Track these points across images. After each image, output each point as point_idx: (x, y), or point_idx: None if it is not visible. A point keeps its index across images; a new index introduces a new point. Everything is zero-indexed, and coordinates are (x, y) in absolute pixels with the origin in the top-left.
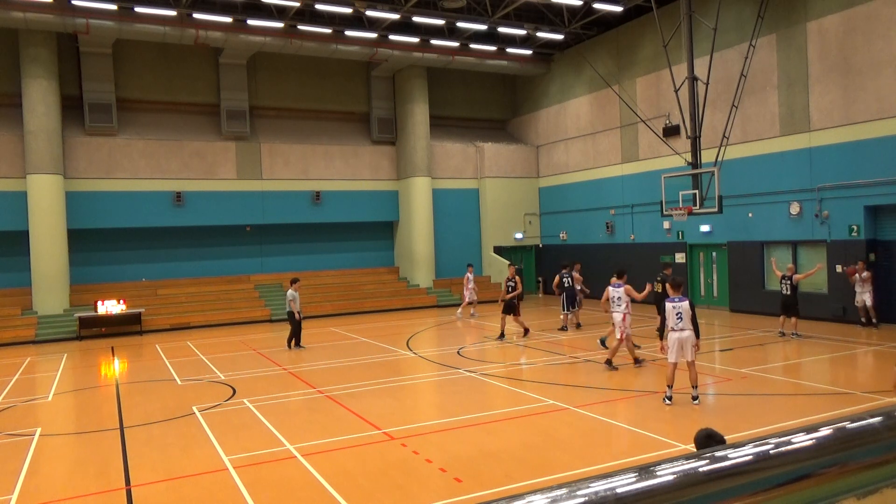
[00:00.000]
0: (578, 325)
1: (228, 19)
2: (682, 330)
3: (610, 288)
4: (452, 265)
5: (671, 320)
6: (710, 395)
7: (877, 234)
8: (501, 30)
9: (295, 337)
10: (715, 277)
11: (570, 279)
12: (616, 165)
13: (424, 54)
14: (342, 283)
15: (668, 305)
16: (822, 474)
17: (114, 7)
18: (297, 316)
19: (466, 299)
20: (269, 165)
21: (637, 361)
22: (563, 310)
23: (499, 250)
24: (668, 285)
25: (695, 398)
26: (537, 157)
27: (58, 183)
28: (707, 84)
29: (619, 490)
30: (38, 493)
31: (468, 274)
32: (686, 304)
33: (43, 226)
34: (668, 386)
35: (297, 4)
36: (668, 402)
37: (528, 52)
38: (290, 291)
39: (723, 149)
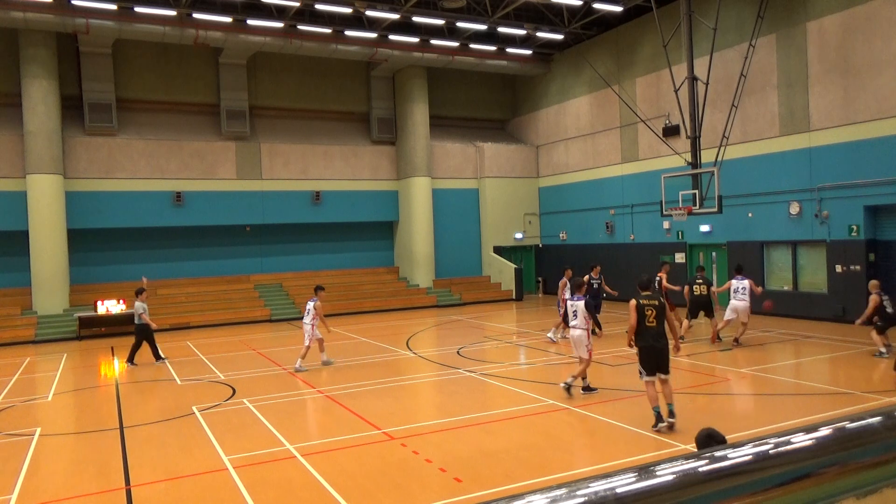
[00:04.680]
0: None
1: (228, 19)
2: (574, 328)
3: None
4: (452, 265)
5: (570, 318)
6: (709, 395)
7: (877, 234)
8: (501, 30)
9: (146, 348)
10: (715, 277)
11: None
12: (616, 165)
13: (424, 54)
14: (342, 283)
15: (568, 304)
16: (822, 474)
17: (114, 7)
18: (144, 327)
19: (309, 340)
20: (268, 165)
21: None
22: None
23: (499, 250)
24: (571, 285)
25: (567, 385)
26: (537, 157)
27: (58, 183)
28: (707, 84)
29: (619, 490)
30: (38, 493)
31: (310, 303)
32: (582, 303)
33: (43, 226)
34: (578, 377)
35: (297, 4)
36: (573, 391)
37: (528, 52)
38: (137, 303)
39: (722, 149)
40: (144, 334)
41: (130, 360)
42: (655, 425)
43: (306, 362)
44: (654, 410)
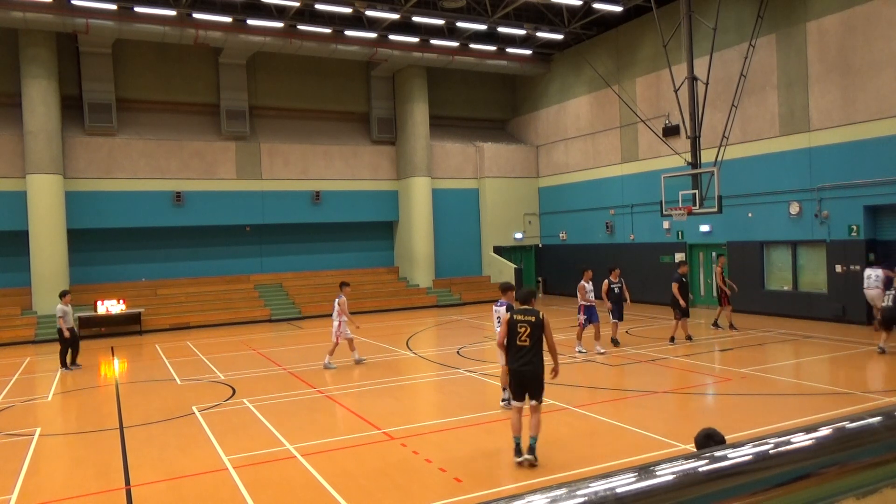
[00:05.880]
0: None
1: (228, 19)
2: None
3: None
4: (452, 265)
5: (495, 324)
6: (709, 395)
7: (876, 234)
8: (501, 30)
9: (72, 355)
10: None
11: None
12: (616, 165)
13: (424, 54)
14: None
15: (494, 308)
16: (822, 474)
17: (114, 7)
18: (66, 333)
19: (336, 337)
20: (268, 165)
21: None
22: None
23: (499, 250)
24: (500, 288)
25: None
26: (537, 157)
27: (58, 183)
28: (707, 84)
29: (619, 490)
30: (37, 492)
31: (340, 299)
32: (503, 309)
33: (43, 226)
34: (503, 388)
35: (297, 4)
36: (503, 404)
37: (528, 52)
38: (59, 307)
39: (722, 149)
40: (71, 336)
41: (72, 362)
42: (516, 458)
43: (334, 359)
44: (515, 440)
